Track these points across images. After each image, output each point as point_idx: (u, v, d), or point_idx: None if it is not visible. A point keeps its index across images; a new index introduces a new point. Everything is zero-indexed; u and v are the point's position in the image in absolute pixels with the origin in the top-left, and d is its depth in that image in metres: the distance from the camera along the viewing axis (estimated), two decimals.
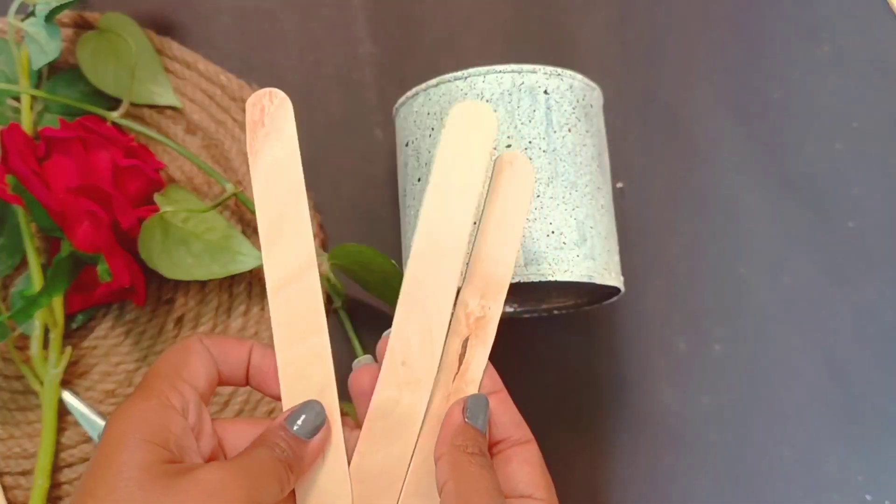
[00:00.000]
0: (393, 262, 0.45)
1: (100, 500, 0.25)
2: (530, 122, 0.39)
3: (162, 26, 0.54)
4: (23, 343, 0.47)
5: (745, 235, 0.53)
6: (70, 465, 0.47)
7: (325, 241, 0.52)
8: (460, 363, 0.34)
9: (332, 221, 0.52)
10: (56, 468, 0.47)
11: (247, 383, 0.33)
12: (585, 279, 0.38)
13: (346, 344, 0.50)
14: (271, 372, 0.32)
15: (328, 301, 0.51)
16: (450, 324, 0.33)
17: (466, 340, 0.34)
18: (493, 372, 0.34)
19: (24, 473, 0.46)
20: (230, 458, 0.30)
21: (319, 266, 0.49)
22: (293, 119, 0.33)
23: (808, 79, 0.56)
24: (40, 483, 0.45)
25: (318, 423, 0.31)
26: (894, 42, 0.57)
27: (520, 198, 0.34)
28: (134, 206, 0.45)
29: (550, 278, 0.38)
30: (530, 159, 0.39)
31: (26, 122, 0.48)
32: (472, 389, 0.34)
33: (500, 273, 0.34)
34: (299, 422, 0.30)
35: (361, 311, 0.51)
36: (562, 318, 0.51)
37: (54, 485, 0.47)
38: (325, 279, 0.50)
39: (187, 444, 0.29)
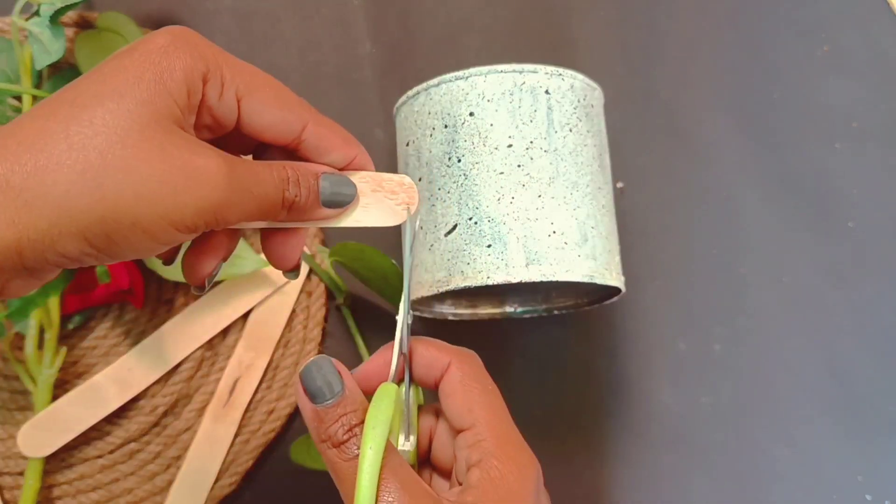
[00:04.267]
0: (393, 261, 0.46)
1: (86, 128, 0.24)
2: (531, 121, 0.39)
3: (162, 26, 0.54)
4: (19, 343, 0.47)
5: (745, 235, 0.53)
6: (70, 466, 0.47)
7: (324, 242, 0.52)
8: (230, 396, 0.48)
9: None
10: (56, 469, 0.47)
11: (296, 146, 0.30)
12: (587, 279, 0.38)
13: (350, 339, 0.50)
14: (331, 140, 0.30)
15: (330, 298, 0.51)
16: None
17: (237, 381, 0.48)
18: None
19: (24, 473, 0.46)
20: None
21: (321, 263, 0.50)
22: None
23: (808, 79, 0.56)
24: (31, 483, 0.45)
25: (346, 201, 0.30)
26: (894, 42, 0.57)
27: (283, 306, 0.49)
28: None
29: (552, 278, 0.38)
30: (532, 160, 0.39)
31: None
32: (237, 415, 0.47)
33: (270, 335, 0.49)
34: (335, 188, 0.30)
35: (363, 307, 0.51)
36: (562, 318, 0.51)
37: (53, 485, 0.47)
38: (326, 275, 0.50)
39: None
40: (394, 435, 0.31)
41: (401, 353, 0.31)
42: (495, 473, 0.29)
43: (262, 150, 0.31)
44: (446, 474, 0.33)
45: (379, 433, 0.27)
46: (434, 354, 0.32)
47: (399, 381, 0.32)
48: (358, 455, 0.27)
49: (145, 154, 0.24)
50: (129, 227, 0.24)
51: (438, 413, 0.34)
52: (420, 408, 0.34)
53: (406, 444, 0.32)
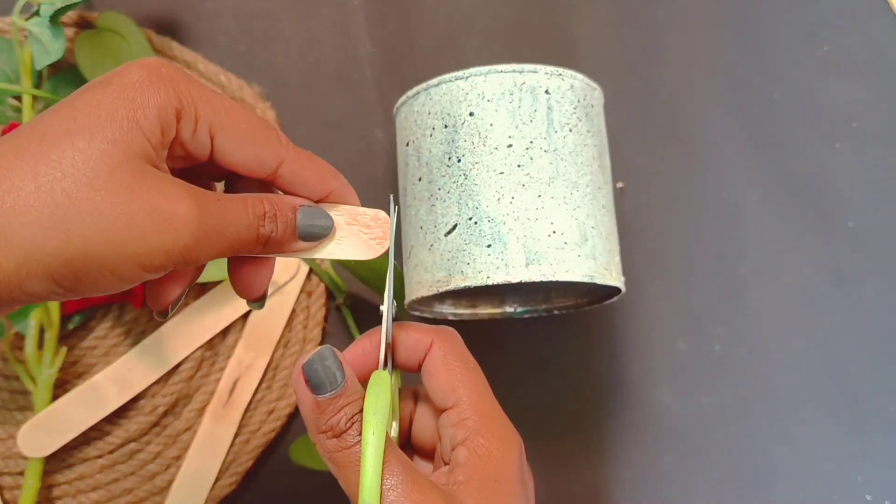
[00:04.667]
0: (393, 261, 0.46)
1: (55, 168, 0.24)
2: (531, 121, 0.39)
3: (162, 26, 0.54)
4: (19, 343, 0.47)
5: (745, 235, 0.53)
6: (70, 466, 0.47)
7: None
8: (230, 396, 0.48)
9: None
10: (56, 469, 0.47)
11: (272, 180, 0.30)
12: (587, 279, 0.38)
13: (350, 339, 0.50)
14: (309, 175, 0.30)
15: (330, 298, 0.51)
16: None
17: (237, 381, 0.48)
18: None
19: (24, 473, 0.46)
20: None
21: (321, 263, 0.50)
22: None
23: (808, 79, 0.56)
24: (31, 483, 0.45)
25: (323, 234, 0.30)
26: (894, 42, 0.57)
27: (283, 306, 0.49)
28: None
29: (552, 278, 0.38)
30: (531, 160, 0.39)
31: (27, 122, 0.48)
32: (237, 415, 0.47)
33: (269, 335, 0.49)
34: (312, 221, 0.30)
35: (363, 307, 0.51)
36: (562, 318, 0.51)
37: (53, 485, 0.47)
38: (326, 275, 0.50)
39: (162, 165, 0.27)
40: (388, 422, 0.31)
41: (387, 343, 0.32)
42: (482, 451, 0.29)
43: (237, 177, 0.30)
44: (428, 456, 0.34)
45: (380, 419, 0.28)
46: (415, 336, 0.32)
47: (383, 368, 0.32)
48: (358, 443, 0.28)
49: (113, 197, 0.24)
50: (98, 269, 0.24)
51: (416, 396, 0.34)
52: (399, 392, 0.34)
53: (390, 430, 0.32)
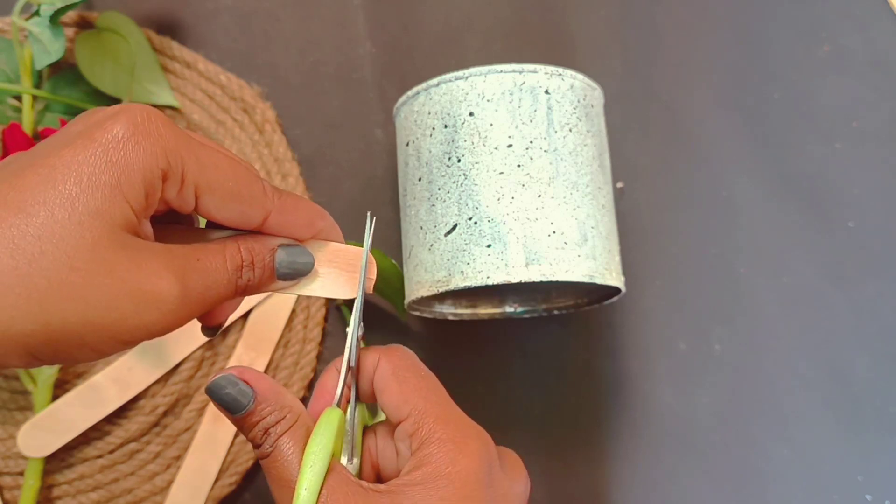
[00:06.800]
0: (393, 261, 0.46)
1: (33, 245, 0.23)
2: (531, 121, 0.39)
3: (162, 26, 0.54)
4: None
5: (745, 235, 0.53)
6: (70, 466, 0.47)
7: None
8: None
9: None
10: (56, 469, 0.47)
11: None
12: (586, 279, 0.38)
13: None
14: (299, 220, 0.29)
15: (330, 298, 0.51)
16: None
17: None
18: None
19: (24, 473, 0.46)
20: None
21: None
22: None
23: (808, 79, 0.56)
24: (31, 483, 0.45)
25: (304, 271, 0.29)
26: (894, 42, 0.57)
27: (283, 306, 0.49)
28: None
29: (552, 278, 0.38)
30: (531, 159, 0.39)
31: (27, 122, 0.48)
32: None
33: (269, 335, 0.49)
34: (292, 258, 0.29)
35: (363, 307, 0.51)
36: (562, 318, 0.51)
37: (53, 485, 0.47)
38: None
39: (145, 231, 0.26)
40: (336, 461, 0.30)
41: (349, 367, 0.31)
42: (431, 457, 0.28)
43: None
44: None
45: (316, 472, 0.27)
46: (363, 356, 0.31)
47: (348, 402, 0.31)
48: (271, 452, 0.28)
49: (93, 278, 0.23)
50: (77, 345, 0.24)
51: (376, 430, 0.33)
52: (365, 429, 0.33)
53: (349, 467, 0.31)
